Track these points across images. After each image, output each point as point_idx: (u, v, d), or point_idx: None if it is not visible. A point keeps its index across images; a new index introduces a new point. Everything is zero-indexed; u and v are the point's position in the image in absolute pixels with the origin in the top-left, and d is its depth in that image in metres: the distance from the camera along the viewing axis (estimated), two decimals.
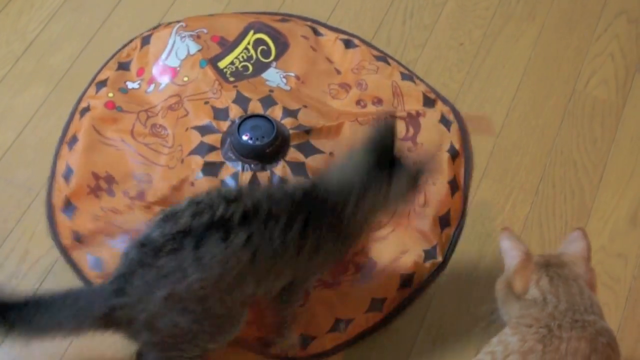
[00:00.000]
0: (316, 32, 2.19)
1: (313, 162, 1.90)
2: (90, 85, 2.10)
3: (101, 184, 1.92)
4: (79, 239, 1.87)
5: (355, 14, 2.27)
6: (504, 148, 2.06)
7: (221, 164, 1.89)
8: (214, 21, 2.17)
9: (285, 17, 2.22)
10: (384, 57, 2.15)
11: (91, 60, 2.16)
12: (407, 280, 1.83)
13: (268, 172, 1.89)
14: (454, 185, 1.96)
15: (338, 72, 2.12)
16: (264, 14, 2.24)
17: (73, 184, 1.92)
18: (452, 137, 2.02)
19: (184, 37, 2.09)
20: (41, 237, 1.91)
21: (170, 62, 2.08)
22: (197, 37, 2.10)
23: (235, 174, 1.88)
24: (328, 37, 2.18)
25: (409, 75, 2.12)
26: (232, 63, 2.09)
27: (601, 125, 2.10)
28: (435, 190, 1.93)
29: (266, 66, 2.11)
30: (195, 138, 1.92)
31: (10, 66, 2.16)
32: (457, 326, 1.81)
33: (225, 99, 1.97)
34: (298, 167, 1.89)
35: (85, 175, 1.92)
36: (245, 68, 2.10)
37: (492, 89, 2.15)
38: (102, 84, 2.07)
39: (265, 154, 1.90)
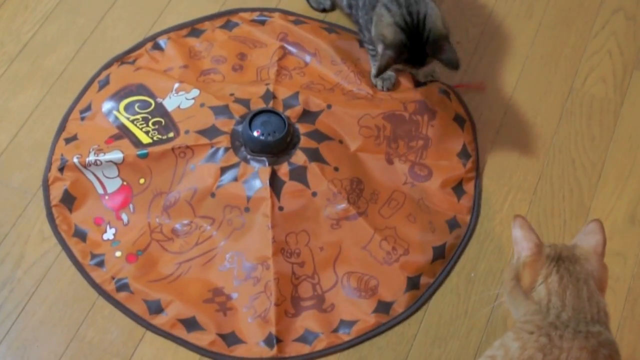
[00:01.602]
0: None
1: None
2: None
3: None
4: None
5: None
6: (502, 146, 2.05)
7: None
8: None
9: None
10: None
11: (86, 62, 2.15)
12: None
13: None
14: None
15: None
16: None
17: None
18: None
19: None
20: (37, 242, 1.90)
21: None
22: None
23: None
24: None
25: None
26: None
27: (599, 123, 2.09)
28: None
29: None
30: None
31: (5, 68, 2.15)
32: (456, 327, 1.80)
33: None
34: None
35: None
36: None
37: (489, 87, 2.14)
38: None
39: (280, 147, 1.91)
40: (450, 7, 2.27)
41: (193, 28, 2.20)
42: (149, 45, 2.17)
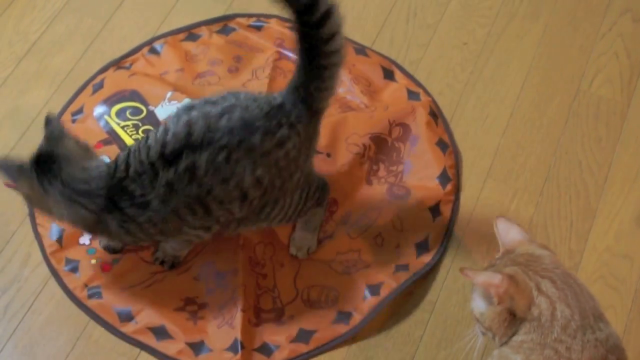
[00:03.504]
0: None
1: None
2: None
3: None
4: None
5: (358, 13, 2.26)
6: (508, 148, 2.05)
7: None
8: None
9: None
10: None
11: (93, 62, 2.16)
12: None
13: None
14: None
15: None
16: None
17: None
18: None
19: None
20: None
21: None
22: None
23: None
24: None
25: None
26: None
27: (606, 124, 2.09)
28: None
29: None
30: None
31: (13, 67, 2.15)
32: (462, 329, 1.80)
33: None
34: None
35: None
36: None
37: (496, 88, 2.14)
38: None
39: None
40: (457, 8, 2.27)
41: (190, 33, 2.20)
42: (146, 49, 2.17)
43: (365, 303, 1.82)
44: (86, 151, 1.67)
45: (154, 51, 2.16)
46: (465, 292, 1.85)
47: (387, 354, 1.78)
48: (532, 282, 1.37)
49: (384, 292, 1.83)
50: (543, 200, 1.98)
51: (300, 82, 1.61)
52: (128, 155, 1.61)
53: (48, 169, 1.60)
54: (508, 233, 1.48)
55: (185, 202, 1.59)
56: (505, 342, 1.39)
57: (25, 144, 2.03)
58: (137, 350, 1.78)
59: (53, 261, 1.86)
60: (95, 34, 2.21)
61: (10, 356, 1.77)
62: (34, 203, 1.70)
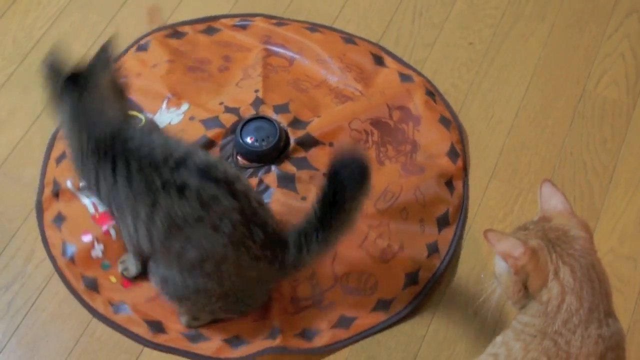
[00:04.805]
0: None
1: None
2: None
3: None
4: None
5: (364, 12, 2.26)
6: (513, 148, 2.05)
7: None
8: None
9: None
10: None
11: None
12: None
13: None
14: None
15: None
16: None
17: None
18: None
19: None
20: None
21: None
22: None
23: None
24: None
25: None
26: None
27: (611, 126, 2.09)
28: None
29: None
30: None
31: (18, 64, 2.15)
32: (465, 329, 1.80)
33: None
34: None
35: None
36: None
37: (501, 88, 2.14)
38: None
39: (271, 154, 1.92)
40: (463, 8, 2.27)
41: (175, 30, 2.20)
42: (134, 48, 2.17)
43: (405, 292, 1.83)
44: (117, 93, 1.64)
45: (141, 48, 2.16)
46: (469, 292, 1.84)
47: (390, 353, 1.78)
48: (552, 264, 1.35)
49: (423, 279, 1.84)
50: None
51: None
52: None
53: (74, 86, 1.59)
54: (550, 199, 1.43)
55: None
56: (520, 310, 1.39)
57: (30, 141, 2.03)
58: (140, 347, 1.78)
59: (71, 279, 1.84)
60: (100, 31, 2.21)
61: (14, 352, 1.77)
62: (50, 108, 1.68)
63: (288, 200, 1.87)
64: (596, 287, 1.36)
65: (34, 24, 2.22)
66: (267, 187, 1.89)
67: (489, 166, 2.02)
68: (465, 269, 1.88)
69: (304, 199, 1.88)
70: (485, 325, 1.79)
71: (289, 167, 1.92)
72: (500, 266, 1.41)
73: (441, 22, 2.24)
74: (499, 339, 1.40)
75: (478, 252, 1.90)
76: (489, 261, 1.88)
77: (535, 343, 1.34)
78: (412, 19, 2.25)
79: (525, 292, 1.38)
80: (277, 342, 1.74)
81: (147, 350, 1.77)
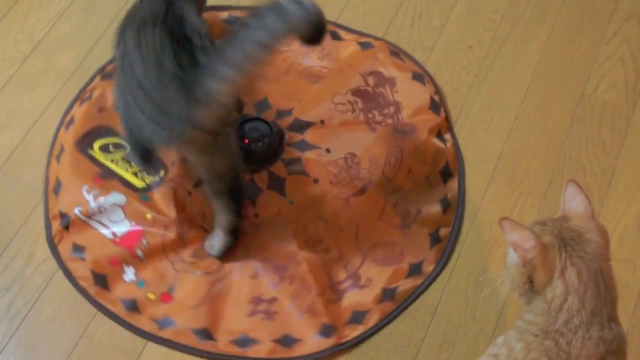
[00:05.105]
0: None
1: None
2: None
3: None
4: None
5: (364, 15, 2.26)
6: (512, 152, 2.05)
7: None
8: None
9: None
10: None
11: (98, 61, 2.16)
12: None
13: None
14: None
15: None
16: None
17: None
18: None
19: None
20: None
21: None
22: None
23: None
24: None
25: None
26: None
27: (610, 129, 2.09)
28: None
29: None
30: None
31: (18, 66, 2.16)
32: (464, 331, 1.80)
33: None
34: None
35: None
36: None
37: (500, 92, 2.14)
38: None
39: (265, 155, 1.96)
40: (462, 11, 2.27)
41: None
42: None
43: (431, 252, 1.87)
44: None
45: None
46: (467, 295, 1.85)
47: (389, 356, 1.78)
48: (560, 263, 1.36)
49: (444, 237, 1.89)
50: (546, 204, 1.97)
51: None
52: None
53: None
54: (572, 200, 1.45)
55: None
56: (526, 305, 1.41)
57: (30, 142, 2.03)
58: (140, 348, 1.78)
59: (110, 306, 1.81)
60: (100, 33, 2.21)
61: (13, 354, 1.77)
62: None
63: (303, 189, 1.91)
64: (601, 292, 1.37)
65: (35, 26, 2.22)
66: (279, 178, 1.93)
67: (488, 169, 2.02)
68: (464, 272, 1.88)
69: (316, 181, 1.93)
70: (485, 328, 1.79)
71: (291, 153, 1.95)
72: (512, 255, 1.43)
73: (441, 26, 2.25)
74: (500, 339, 1.41)
75: (477, 256, 1.90)
76: (489, 265, 1.89)
77: (536, 343, 1.34)
78: (412, 22, 2.25)
79: (531, 286, 1.39)
80: (333, 340, 1.76)
81: (146, 350, 1.77)
